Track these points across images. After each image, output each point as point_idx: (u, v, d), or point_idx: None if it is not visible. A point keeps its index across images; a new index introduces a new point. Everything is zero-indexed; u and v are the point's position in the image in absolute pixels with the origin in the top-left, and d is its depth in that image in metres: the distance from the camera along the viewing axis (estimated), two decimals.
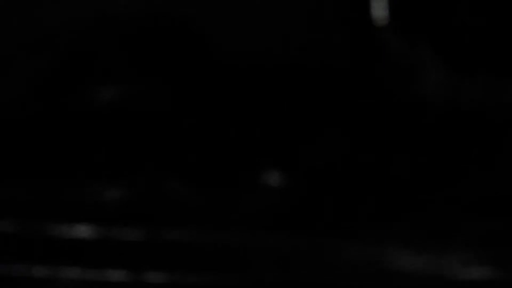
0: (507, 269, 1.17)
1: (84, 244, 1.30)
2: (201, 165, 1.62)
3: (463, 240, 1.28)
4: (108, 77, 2.50)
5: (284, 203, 1.48)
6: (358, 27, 1.42)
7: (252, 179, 1.56)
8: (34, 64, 2.58)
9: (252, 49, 2.23)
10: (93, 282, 1.16)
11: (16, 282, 1.17)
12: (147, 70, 2.52)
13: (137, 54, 2.68)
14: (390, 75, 1.41)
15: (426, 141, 1.55)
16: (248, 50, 2.36)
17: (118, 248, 1.30)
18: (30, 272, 1.18)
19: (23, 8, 1.75)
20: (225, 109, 1.96)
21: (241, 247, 1.27)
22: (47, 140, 1.85)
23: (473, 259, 1.21)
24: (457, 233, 1.32)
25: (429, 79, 1.40)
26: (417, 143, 1.58)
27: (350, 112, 1.71)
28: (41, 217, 1.36)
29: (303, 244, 1.27)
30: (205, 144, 1.75)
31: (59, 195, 1.50)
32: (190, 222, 1.39)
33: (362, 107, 1.68)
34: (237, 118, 1.89)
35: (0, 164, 1.67)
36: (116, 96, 2.27)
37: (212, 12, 1.84)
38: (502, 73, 1.47)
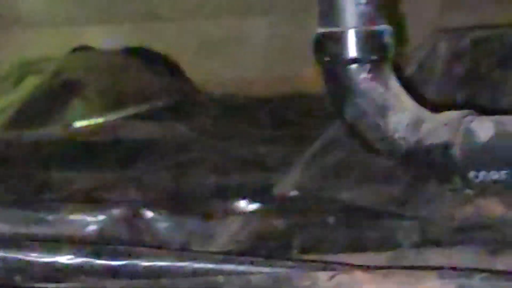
0: None
1: (65, 271, 1.31)
2: (177, 197, 1.63)
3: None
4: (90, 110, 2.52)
5: (252, 233, 1.50)
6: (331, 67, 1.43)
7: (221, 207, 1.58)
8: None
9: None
10: None
11: None
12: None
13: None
14: (358, 115, 1.41)
15: (391, 175, 1.57)
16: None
17: (96, 275, 1.30)
18: None
19: None
20: (202, 146, 1.99)
21: (211, 272, 1.27)
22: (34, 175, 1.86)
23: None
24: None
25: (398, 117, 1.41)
26: (382, 176, 1.60)
27: (309, 149, 1.72)
28: (27, 247, 1.37)
29: (275, 273, 1.25)
30: (179, 178, 1.77)
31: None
32: (164, 249, 1.40)
33: (320, 146, 1.70)
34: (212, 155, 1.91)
35: None
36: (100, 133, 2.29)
37: None
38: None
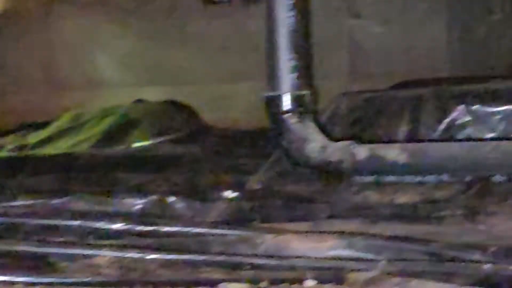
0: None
1: (119, 234, 1.30)
2: (188, 189, 1.62)
3: None
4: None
5: (232, 211, 1.49)
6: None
7: (213, 193, 1.58)
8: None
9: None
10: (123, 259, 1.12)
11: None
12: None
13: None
14: (290, 143, 1.40)
15: (307, 179, 1.57)
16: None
17: (136, 236, 1.29)
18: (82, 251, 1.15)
19: None
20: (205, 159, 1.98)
21: (210, 237, 1.25)
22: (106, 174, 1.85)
23: None
24: None
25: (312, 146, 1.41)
26: (307, 185, 1.58)
27: (267, 161, 1.72)
28: (95, 217, 1.36)
29: (249, 237, 1.23)
30: (191, 178, 1.76)
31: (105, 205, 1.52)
32: (179, 221, 1.39)
33: (274, 159, 1.69)
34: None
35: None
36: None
37: None
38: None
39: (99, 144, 2.44)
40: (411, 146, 1.39)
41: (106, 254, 1.09)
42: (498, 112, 1.71)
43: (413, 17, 3.01)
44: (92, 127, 2.61)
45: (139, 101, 2.93)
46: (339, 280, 0.98)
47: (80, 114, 2.77)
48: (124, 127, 2.54)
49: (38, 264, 1.08)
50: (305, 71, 1.39)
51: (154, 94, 3.07)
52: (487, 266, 1.00)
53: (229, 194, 1.56)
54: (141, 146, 2.37)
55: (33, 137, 2.66)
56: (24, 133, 2.74)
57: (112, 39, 3.72)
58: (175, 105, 2.81)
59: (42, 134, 2.68)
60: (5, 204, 1.48)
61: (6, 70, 4.09)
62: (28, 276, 1.01)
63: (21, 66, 4.04)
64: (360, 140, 1.43)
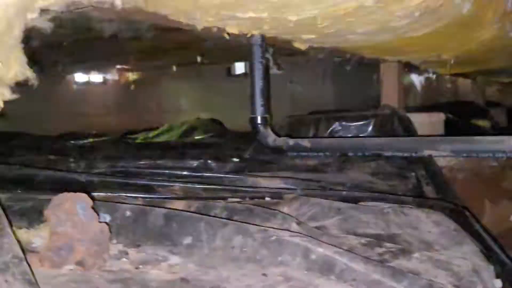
0: None
1: (185, 177, 1.21)
2: (214, 157, 1.56)
3: None
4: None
5: (236, 167, 1.43)
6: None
7: (228, 159, 1.51)
8: None
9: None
10: (186, 187, 1.04)
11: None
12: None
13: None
14: (260, 138, 1.36)
15: (269, 153, 1.53)
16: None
17: (194, 178, 1.23)
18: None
19: None
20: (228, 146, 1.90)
21: (224, 178, 1.20)
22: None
23: None
24: None
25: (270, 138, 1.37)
26: (268, 156, 1.55)
27: (251, 146, 1.67)
28: (175, 169, 1.30)
29: (242, 179, 1.17)
30: (215, 151, 1.70)
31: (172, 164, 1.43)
32: (212, 171, 1.34)
33: (255, 145, 1.65)
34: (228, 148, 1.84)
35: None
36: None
37: None
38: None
39: (180, 137, 2.41)
40: (314, 139, 1.37)
41: (178, 185, 1.07)
42: (354, 126, 1.71)
43: (316, 83, 3.02)
44: (177, 129, 2.57)
45: (198, 118, 2.86)
46: (280, 198, 0.97)
47: (172, 124, 2.72)
48: (191, 130, 2.50)
49: (148, 189, 1.05)
50: (267, 106, 1.37)
51: (205, 116, 3.05)
52: (344, 192, 1.00)
53: (235, 159, 1.50)
54: (198, 139, 2.33)
55: (151, 134, 2.60)
56: (147, 132, 2.68)
57: (187, 90, 3.71)
58: (213, 120, 2.76)
59: (155, 132, 2.62)
60: (136, 163, 1.44)
61: (141, 106, 4.06)
62: (143, 194, 0.99)
63: (147, 103, 4.02)
64: (290, 136, 1.40)
